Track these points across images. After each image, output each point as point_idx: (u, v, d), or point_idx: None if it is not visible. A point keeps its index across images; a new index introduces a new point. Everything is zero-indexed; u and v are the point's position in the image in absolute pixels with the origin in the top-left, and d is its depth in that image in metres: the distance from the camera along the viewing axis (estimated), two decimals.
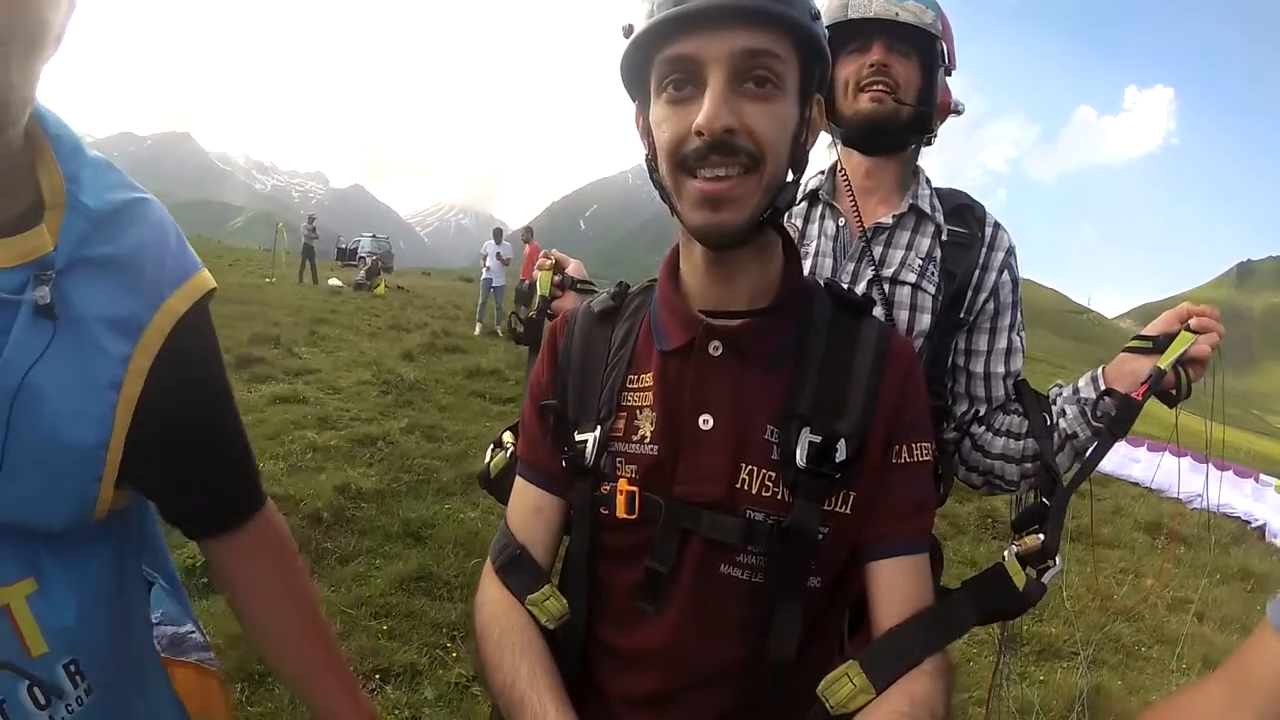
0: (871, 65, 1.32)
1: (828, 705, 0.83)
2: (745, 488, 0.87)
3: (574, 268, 1.54)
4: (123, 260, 0.75)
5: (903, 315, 1.34)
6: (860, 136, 1.39)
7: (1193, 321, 1.16)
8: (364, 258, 27.18)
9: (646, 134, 0.89)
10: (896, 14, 1.30)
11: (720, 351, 0.90)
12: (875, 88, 1.32)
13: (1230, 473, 7.71)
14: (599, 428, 0.93)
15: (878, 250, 1.37)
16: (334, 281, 19.34)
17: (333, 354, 9.22)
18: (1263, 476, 8.45)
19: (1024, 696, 3.48)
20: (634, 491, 0.90)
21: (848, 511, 0.88)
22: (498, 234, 13.90)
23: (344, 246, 39.43)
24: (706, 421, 0.89)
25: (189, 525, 0.92)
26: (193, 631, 1.03)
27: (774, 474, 0.87)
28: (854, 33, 1.34)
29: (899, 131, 1.37)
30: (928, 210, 1.38)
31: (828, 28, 1.35)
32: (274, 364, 7.91)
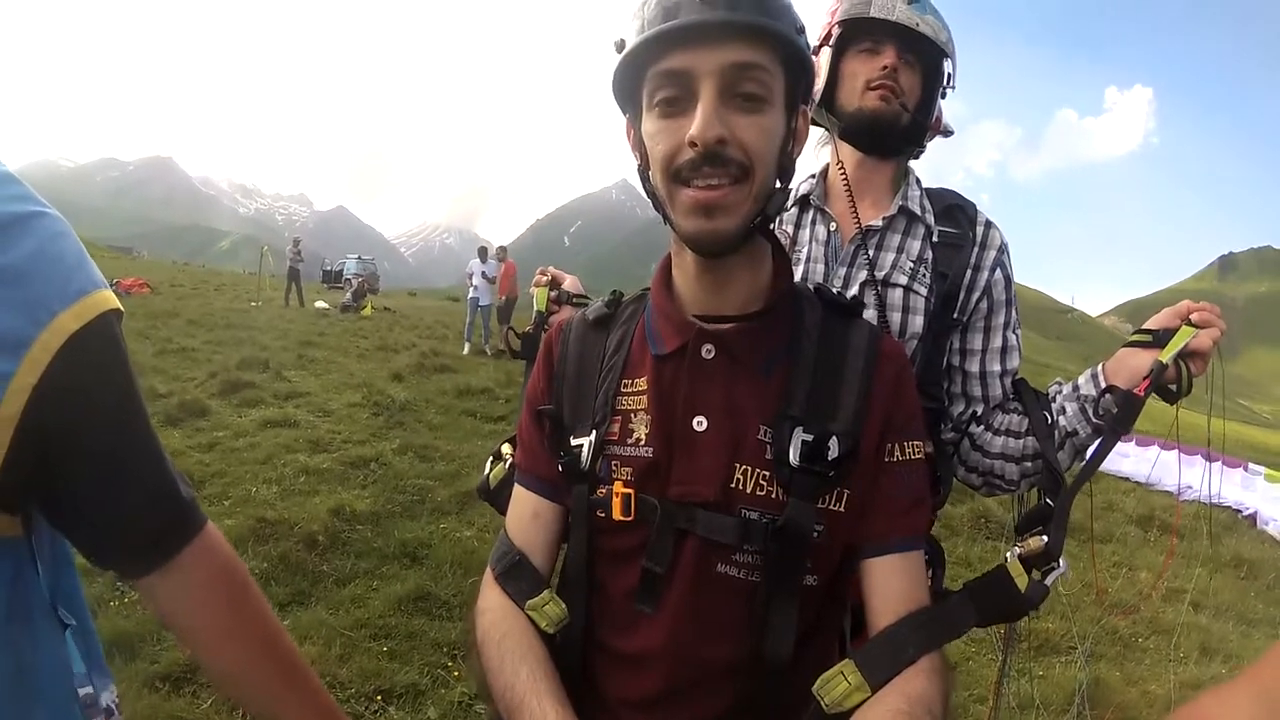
0: (884, 67, 1.34)
1: (823, 703, 0.84)
2: (740, 487, 0.88)
3: (570, 283, 1.55)
4: (8, 273, 0.68)
5: (895, 317, 1.35)
6: (862, 133, 1.40)
7: (1194, 316, 1.16)
8: (350, 279, 27.12)
9: (638, 146, 0.91)
10: (917, 24, 1.32)
11: (713, 355, 0.92)
12: (885, 89, 1.35)
13: (1221, 463, 7.77)
14: (594, 431, 0.94)
15: (869, 253, 1.38)
16: (320, 304, 19.29)
17: (322, 376, 9.18)
18: (1251, 465, 8.54)
19: (1024, 692, 3.49)
20: (629, 493, 0.91)
21: (841, 509, 0.90)
22: (483, 252, 13.87)
23: (329, 269, 39.29)
24: (700, 423, 0.90)
25: (112, 564, 0.84)
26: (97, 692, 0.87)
27: (768, 473, 0.88)
28: (869, 31, 1.36)
29: (898, 136, 1.38)
30: (917, 212, 1.40)
31: (846, 20, 1.35)
32: (263, 388, 7.87)
